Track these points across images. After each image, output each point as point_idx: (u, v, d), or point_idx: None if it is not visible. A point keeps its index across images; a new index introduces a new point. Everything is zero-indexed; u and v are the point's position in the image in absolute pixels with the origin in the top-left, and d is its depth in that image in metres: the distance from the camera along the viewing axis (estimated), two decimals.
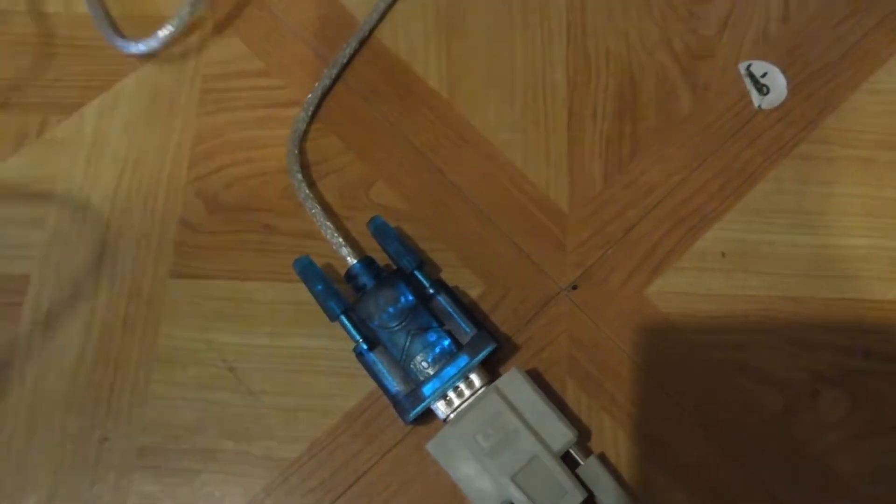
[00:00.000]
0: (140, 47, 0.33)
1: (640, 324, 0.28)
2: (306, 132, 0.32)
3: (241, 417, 0.28)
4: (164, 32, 0.33)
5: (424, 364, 0.27)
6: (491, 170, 0.31)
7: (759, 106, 0.31)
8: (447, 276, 0.30)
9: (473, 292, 0.29)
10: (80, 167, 0.32)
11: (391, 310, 0.28)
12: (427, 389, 0.27)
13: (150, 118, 0.33)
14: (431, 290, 0.28)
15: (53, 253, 0.31)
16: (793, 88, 0.31)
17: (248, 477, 0.27)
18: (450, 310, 0.28)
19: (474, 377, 0.27)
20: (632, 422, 0.27)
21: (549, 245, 0.30)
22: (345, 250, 0.29)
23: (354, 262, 0.29)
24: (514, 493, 0.25)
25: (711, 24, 0.33)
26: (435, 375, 0.27)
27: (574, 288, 0.29)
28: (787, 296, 0.28)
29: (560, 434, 0.25)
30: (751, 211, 0.29)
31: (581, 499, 0.24)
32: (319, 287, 0.28)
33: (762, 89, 0.31)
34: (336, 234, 0.30)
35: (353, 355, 0.28)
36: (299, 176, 0.31)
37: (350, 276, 0.29)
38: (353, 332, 0.28)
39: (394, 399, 0.27)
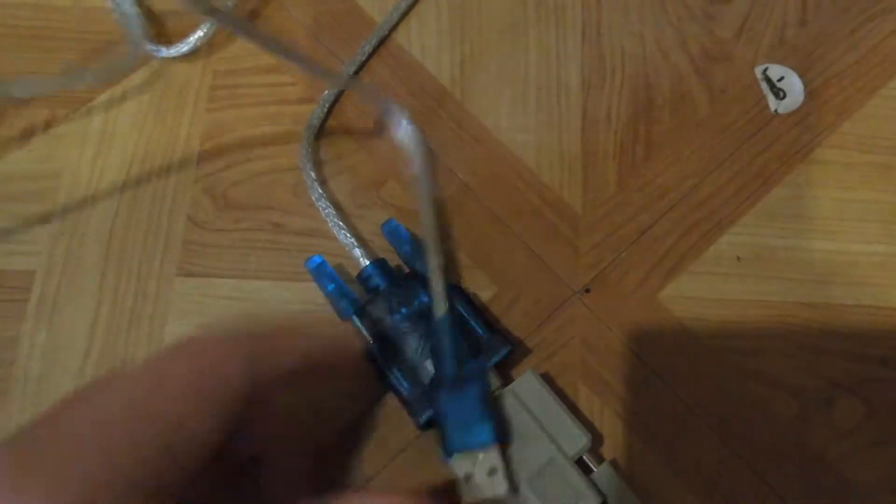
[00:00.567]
0: (171, 52, 0.33)
1: (654, 328, 0.28)
2: (320, 129, 0.32)
3: None
4: (197, 36, 0.33)
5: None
6: (503, 171, 0.31)
7: (776, 110, 0.30)
8: (458, 277, 0.29)
9: (485, 294, 0.29)
10: (87, 162, 0.32)
11: (404, 311, 0.28)
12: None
13: (158, 113, 0.33)
14: None
15: (59, 249, 0.31)
16: (809, 93, 0.31)
17: None
18: (464, 312, 0.28)
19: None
20: (644, 427, 0.27)
21: (561, 247, 0.30)
22: (358, 251, 0.29)
23: (367, 263, 0.29)
24: (529, 496, 0.24)
25: (728, 27, 0.32)
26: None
27: (587, 291, 0.29)
28: (803, 301, 0.28)
29: (575, 438, 0.25)
30: (766, 215, 0.29)
31: (598, 503, 0.24)
32: (331, 287, 0.28)
33: (779, 93, 0.30)
34: (349, 235, 0.29)
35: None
36: (312, 174, 0.31)
37: (363, 277, 0.29)
38: (365, 333, 0.27)
39: (405, 402, 0.27)
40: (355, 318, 0.28)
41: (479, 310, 0.28)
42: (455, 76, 0.33)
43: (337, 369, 0.20)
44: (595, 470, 0.25)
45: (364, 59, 0.33)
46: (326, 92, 0.32)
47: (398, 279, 0.28)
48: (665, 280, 0.29)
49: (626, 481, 0.25)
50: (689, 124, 0.31)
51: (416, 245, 0.29)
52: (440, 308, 0.26)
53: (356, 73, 0.33)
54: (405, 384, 0.27)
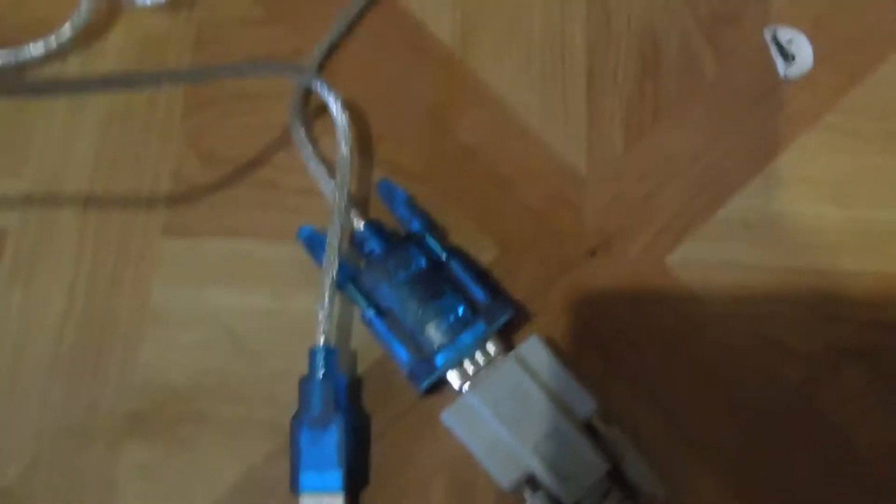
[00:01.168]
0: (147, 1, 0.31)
1: (660, 293, 0.27)
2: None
3: (241, 382, 0.27)
4: None
5: (438, 332, 0.26)
6: (506, 131, 0.30)
7: (785, 75, 0.30)
8: (459, 240, 0.28)
9: (487, 257, 0.28)
10: (61, 113, 0.30)
11: (402, 276, 0.26)
12: (441, 358, 0.25)
13: (140, 64, 0.31)
14: (444, 256, 0.27)
15: (33, 205, 0.29)
16: (819, 58, 0.30)
17: (248, 444, 0.26)
18: (464, 276, 0.27)
19: (490, 345, 0.26)
20: (651, 393, 0.26)
21: (566, 210, 0.29)
22: (351, 212, 0.28)
23: (361, 225, 0.28)
24: (536, 464, 0.23)
25: None
26: (449, 343, 0.25)
27: (592, 254, 0.28)
28: (811, 268, 0.27)
29: (583, 403, 0.24)
30: (775, 180, 0.29)
31: (605, 470, 0.24)
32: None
33: (788, 57, 0.30)
34: (342, 195, 0.28)
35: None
36: (302, 132, 0.29)
37: (357, 240, 0.28)
38: (361, 300, 0.26)
39: (406, 368, 0.26)
40: (350, 286, 0.26)
41: (480, 273, 0.27)
42: (455, 33, 0.31)
43: None
44: (603, 434, 0.24)
45: (357, 11, 0.31)
46: (317, 45, 0.31)
47: (395, 242, 0.27)
48: (672, 245, 0.28)
49: (634, 447, 0.25)
50: (698, 87, 0.30)
51: (412, 206, 0.28)
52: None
53: (349, 26, 0.31)
54: (404, 350, 0.26)
